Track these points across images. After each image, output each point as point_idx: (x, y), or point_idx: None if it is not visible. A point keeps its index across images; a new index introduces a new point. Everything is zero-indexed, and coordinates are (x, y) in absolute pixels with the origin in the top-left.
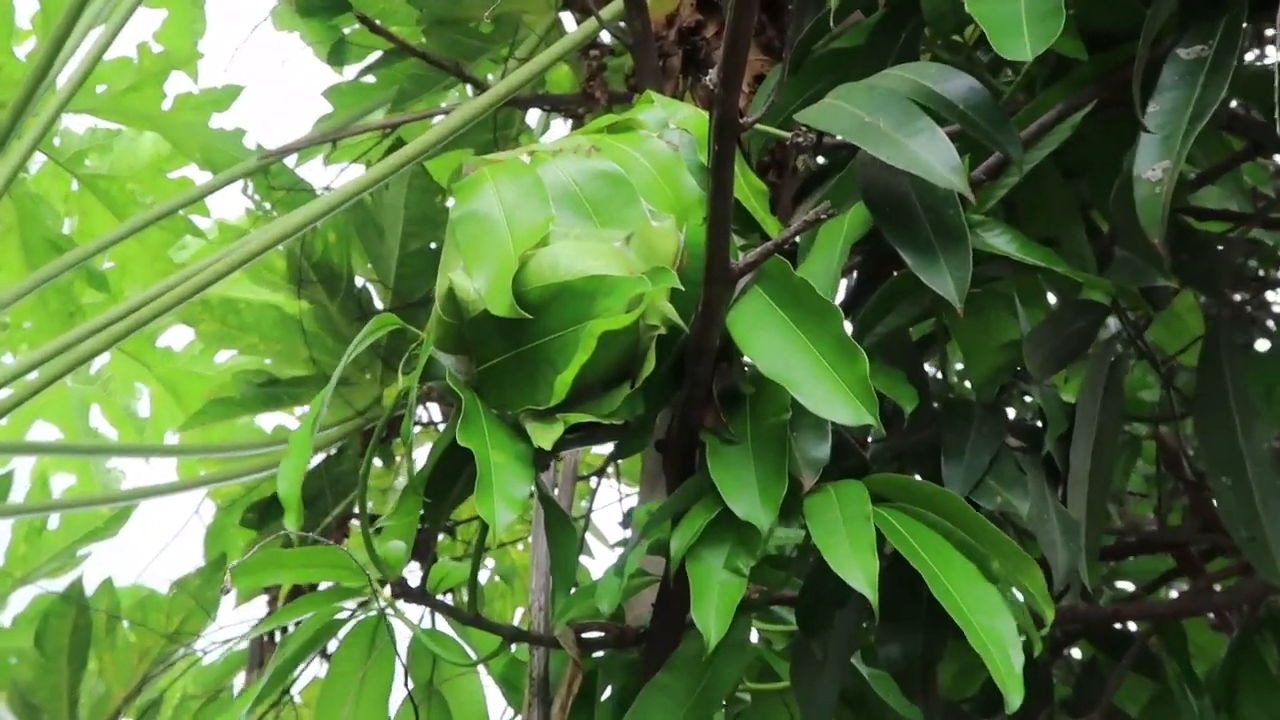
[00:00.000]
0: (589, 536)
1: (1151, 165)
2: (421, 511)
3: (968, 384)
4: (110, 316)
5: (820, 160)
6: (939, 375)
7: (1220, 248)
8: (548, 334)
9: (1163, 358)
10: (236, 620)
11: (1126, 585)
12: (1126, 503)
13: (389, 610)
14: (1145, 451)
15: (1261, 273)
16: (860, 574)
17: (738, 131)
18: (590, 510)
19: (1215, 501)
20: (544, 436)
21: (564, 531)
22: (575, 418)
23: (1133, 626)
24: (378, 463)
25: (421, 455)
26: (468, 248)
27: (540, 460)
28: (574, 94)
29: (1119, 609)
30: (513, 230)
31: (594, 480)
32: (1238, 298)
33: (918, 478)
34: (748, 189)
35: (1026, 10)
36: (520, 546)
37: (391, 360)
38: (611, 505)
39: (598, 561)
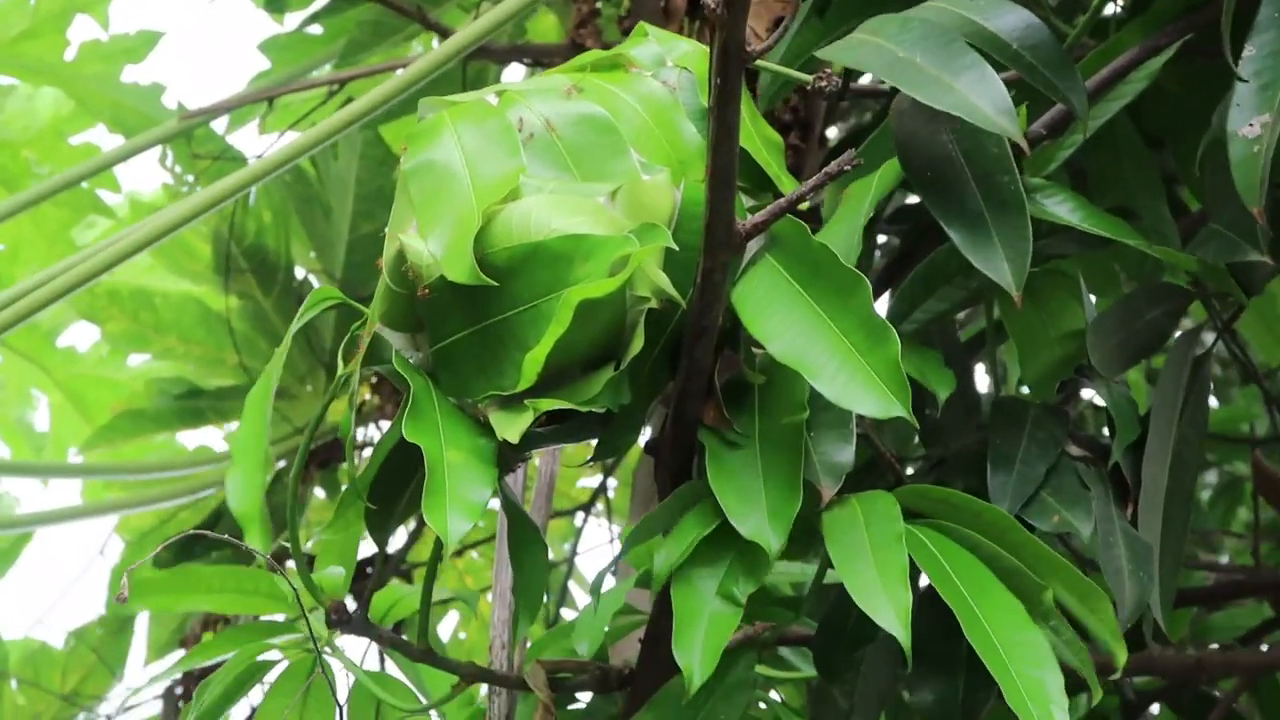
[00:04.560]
0: (572, 584)
1: (1249, 120)
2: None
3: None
4: None
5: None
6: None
7: None
8: (516, 305)
9: (1264, 371)
10: (146, 679)
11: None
12: (1222, 548)
13: (326, 649)
14: (1248, 497)
15: None
16: (889, 609)
17: (746, 62)
18: (574, 553)
19: None
20: (510, 427)
21: (530, 544)
22: (548, 404)
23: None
24: (321, 494)
25: None
26: (422, 204)
27: (506, 460)
28: (560, 44)
29: (1203, 658)
30: (475, 183)
31: (579, 517)
32: None
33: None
34: (758, 139)
35: None
36: (490, 597)
37: (337, 368)
38: (601, 548)
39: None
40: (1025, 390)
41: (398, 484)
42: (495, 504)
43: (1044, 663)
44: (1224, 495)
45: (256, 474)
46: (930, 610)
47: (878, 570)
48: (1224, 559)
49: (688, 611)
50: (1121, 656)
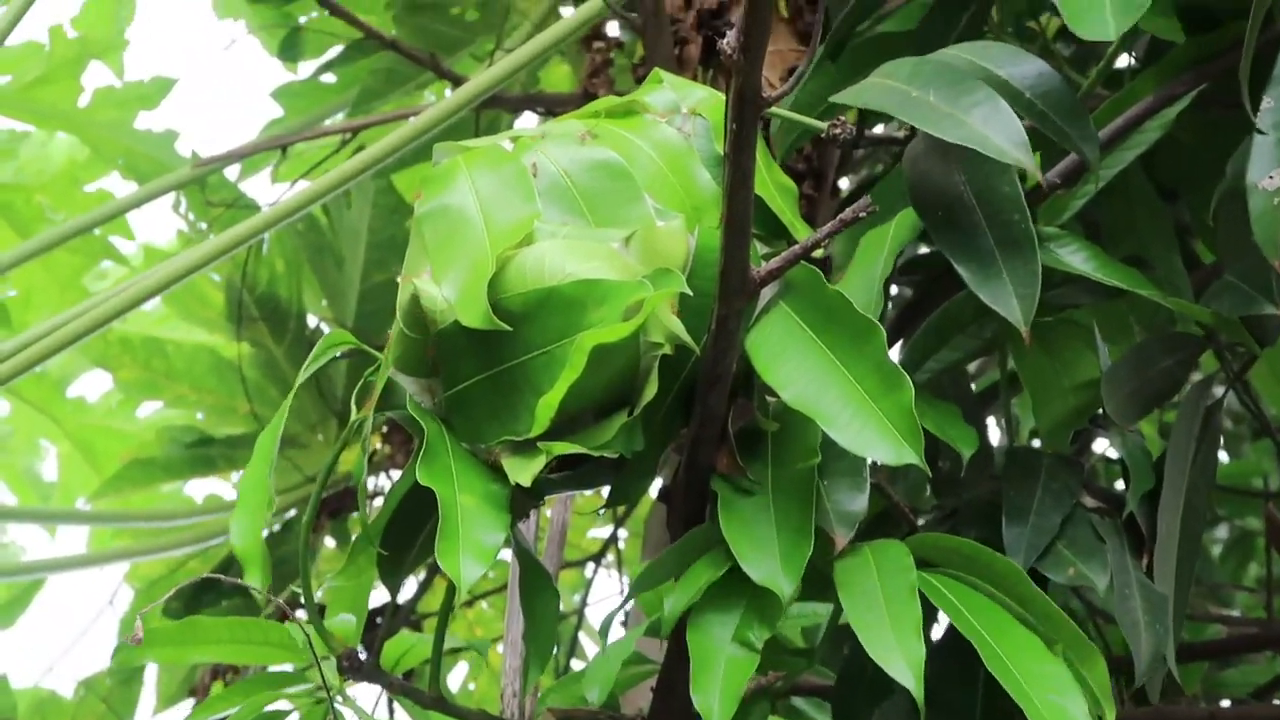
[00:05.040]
0: (583, 635)
1: (1269, 173)
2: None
3: (1036, 442)
4: (5, 351)
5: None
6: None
7: None
8: (530, 350)
9: (1276, 423)
10: None
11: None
12: (1233, 602)
13: (338, 698)
14: (1259, 551)
15: None
16: (903, 662)
17: (762, 108)
18: (584, 604)
19: None
20: (523, 471)
21: (542, 591)
22: (561, 448)
23: None
24: (331, 543)
25: None
26: (436, 248)
27: (519, 505)
28: (573, 93)
29: (1216, 712)
30: (490, 228)
31: (589, 568)
32: None
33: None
34: (773, 186)
35: None
36: (501, 647)
37: (349, 417)
38: (611, 599)
39: None
40: (1036, 442)
41: (410, 531)
42: (506, 554)
43: (1067, 690)
44: (1235, 549)
45: (259, 514)
46: (943, 657)
47: (891, 622)
48: (1234, 613)
49: (704, 656)
50: (1110, 714)
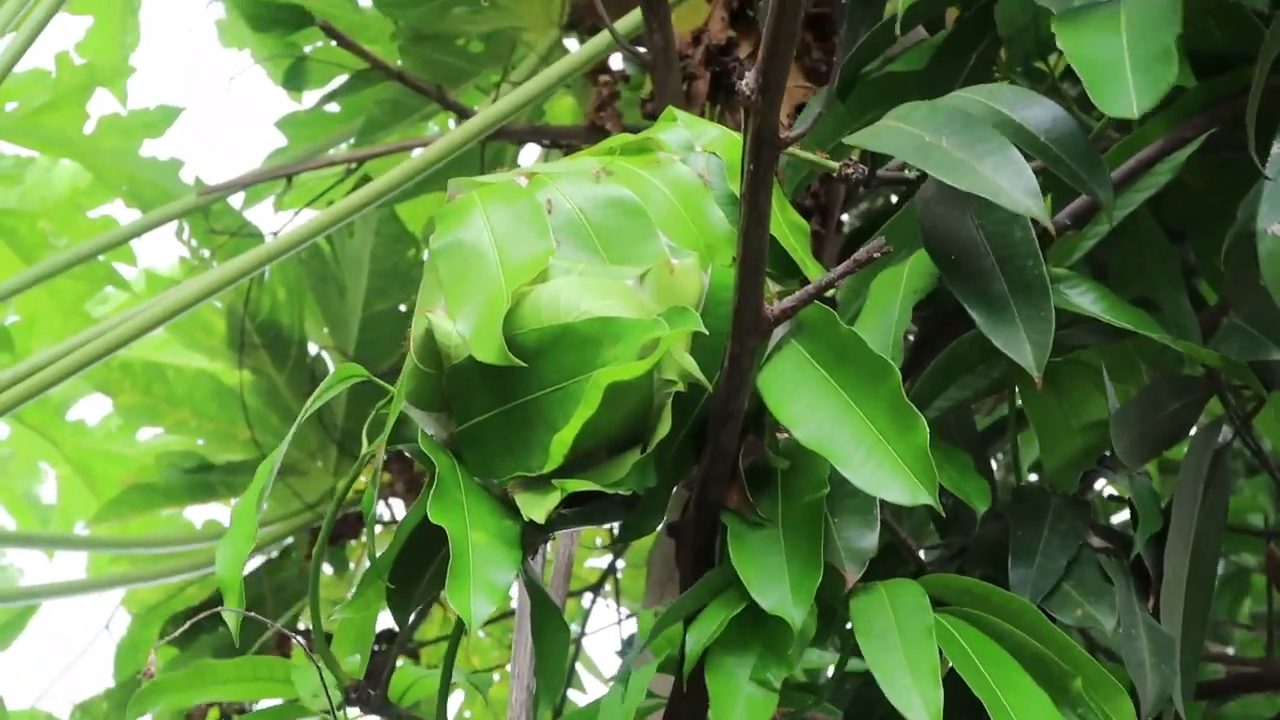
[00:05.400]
0: (580, 666)
1: (1278, 218)
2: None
3: (1033, 477)
4: (7, 379)
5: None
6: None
7: None
8: (544, 386)
9: (1277, 463)
10: None
11: None
12: (1233, 639)
13: None
14: (1256, 588)
15: None
16: (920, 705)
17: (779, 149)
18: (582, 634)
19: None
20: (537, 508)
21: (553, 626)
22: (575, 485)
23: None
24: (328, 569)
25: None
26: (451, 283)
27: (530, 540)
28: (579, 126)
29: None
30: (505, 263)
31: (587, 598)
32: None
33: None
34: (785, 225)
35: (1130, 50)
36: (497, 677)
37: (349, 445)
38: (609, 629)
39: (590, 697)
40: (1033, 476)
41: (420, 564)
42: None
43: None
44: (1230, 585)
45: (244, 545)
46: (955, 697)
47: (909, 666)
48: (1230, 649)
49: (724, 696)
50: None
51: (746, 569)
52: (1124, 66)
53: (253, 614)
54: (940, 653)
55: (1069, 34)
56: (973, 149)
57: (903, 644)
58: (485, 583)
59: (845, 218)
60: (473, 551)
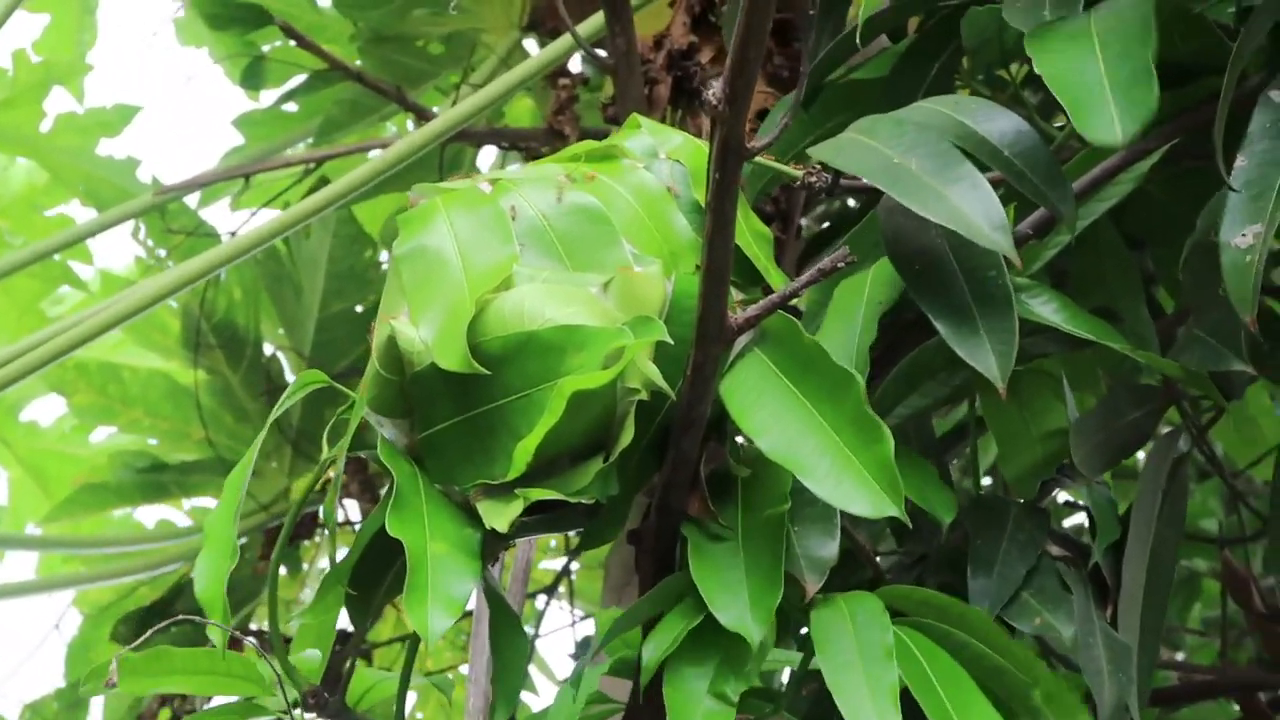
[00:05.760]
0: (533, 668)
1: (1241, 230)
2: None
3: (987, 481)
4: None
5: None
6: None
7: None
8: (507, 394)
9: (1232, 471)
10: None
11: None
12: (1184, 645)
13: None
14: (1206, 593)
15: None
16: None
17: (745, 159)
18: (536, 635)
19: None
20: (499, 516)
21: (511, 634)
22: (538, 494)
23: None
24: (281, 569)
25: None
26: (414, 289)
27: (491, 549)
28: (538, 129)
29: None
30: (468, 270)
31: (541, 600)
32: None
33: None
34: (749, 233)
35: (1109, 73)
36: (450, 677)
37: (304, 446)
38: (563, 630)
39: (543, 699)
40: (988, 480)
41: (379, 570)
42: None
43: None
44: (1181, 590)
45: (224, 560)
46: (911, 708)
47: (867, 684)
48: (1180, 654)
49: (681, 709)
50: None
51: (706, 583)
52: (1104, 90)
53: (196, 618)
54: None
55: (1044, 56)
56: (941, 174)
57: (862, 664)
58: (443, 595)
59: (803, 221)
60: (431, 563)
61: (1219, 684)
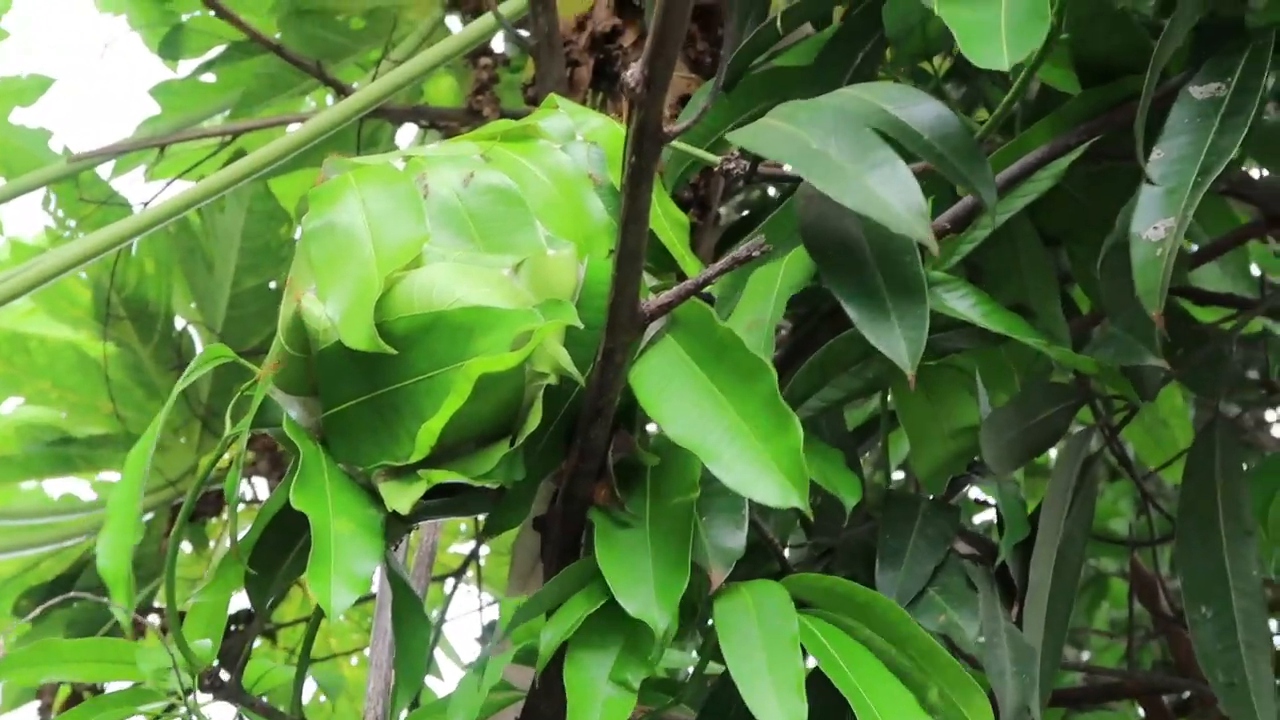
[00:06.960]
0: (439, 653)
1: (1153, 223)
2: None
3: (899, 476)
4: None
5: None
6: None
7: (1226, 345)
8: (413, 374)
9: (1143, 472)
10: None
11: None
12: (1088, 645)
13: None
14: (1113, 592)
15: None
16: (781, 716)
17: (662, 142)
18: (443, 619)
19: (1193, 639)
20: (401, 498)
21: (414, 618)
22: (441, 476)
23: None
24: (186, 546)
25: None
26: (322, 266)
27: (394, 531)
28: (458, 108)
29: None
30: (378, 248)
31: (449, 584)
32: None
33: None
34: (665, 220)
35: (1007, 14)
36: (355, 660)
37: (212, 422)
38: (470, 615)
39: (448, 684)
40: (899, 475)
41: (280, 549)
42: None
43: None
44: (1087, 590)
45: (127, 535)
46: (816, 699)
47: (771, 674)
48: (1085, 654)
49: (582, 695)
50: None
51: (612, 569)
52: (999, 25)
53: (102, 600)
54: (804, 651)
55: (949, 7)
56: (860, 160)
57: (766, 651)
58: (347, 572)
59: (722, 210)
60: (335, 540)
61: (1124, 686)
